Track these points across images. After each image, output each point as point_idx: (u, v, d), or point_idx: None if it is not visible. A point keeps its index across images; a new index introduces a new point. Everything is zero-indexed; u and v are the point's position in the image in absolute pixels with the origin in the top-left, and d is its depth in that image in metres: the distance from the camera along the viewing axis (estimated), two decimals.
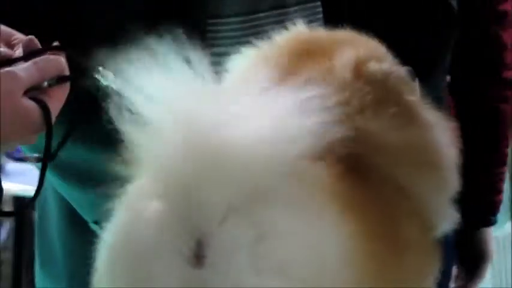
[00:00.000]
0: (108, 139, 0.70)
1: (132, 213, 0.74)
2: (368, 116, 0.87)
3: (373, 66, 0.89)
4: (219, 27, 1.12)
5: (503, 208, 1.67)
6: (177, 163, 0.70)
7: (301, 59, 0.89)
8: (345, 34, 0.96)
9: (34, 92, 0.79)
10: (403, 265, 0.85)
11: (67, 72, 0.81)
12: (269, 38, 0.92)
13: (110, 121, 0.72)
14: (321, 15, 1.23)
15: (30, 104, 0.79)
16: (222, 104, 0.72)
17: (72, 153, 0.93)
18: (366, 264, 0.77)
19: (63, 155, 0.83)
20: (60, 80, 0.81)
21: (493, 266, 1.83)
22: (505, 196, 1.63)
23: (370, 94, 0.87)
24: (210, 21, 1.11)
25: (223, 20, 1.13)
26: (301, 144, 0.72)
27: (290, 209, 0.73)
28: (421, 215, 0.90)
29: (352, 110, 0.86)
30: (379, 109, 0.88)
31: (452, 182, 0.94)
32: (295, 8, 1.18)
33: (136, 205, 0.74)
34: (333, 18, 1.21)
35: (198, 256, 0.71)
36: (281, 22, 1.09)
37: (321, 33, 0.98)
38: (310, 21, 1.11)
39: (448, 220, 0.95)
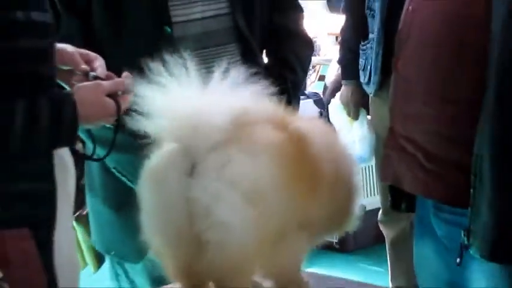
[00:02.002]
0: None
1: (156, 155, 1.40)
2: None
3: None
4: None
5: None
6: (181, 128, 1.37)
7: None
8: None
9: (112, 95, 1.55)
10: (313, 198, 1.47)
11: (130, 88, 1.55)
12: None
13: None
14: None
15: (110, 101, 1.54)
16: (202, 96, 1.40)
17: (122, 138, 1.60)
18: (290, 188, 1.40)
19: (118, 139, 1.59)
20: (126, 91, 1.56)
21: None
22: None
23: None
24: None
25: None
26: (250, 116, 1.41)
27: (244, 150, 1.37)
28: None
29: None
30: None
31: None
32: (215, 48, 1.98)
33: (158, 152, 1.40)
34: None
35: (191, 171, 1.36)
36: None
37: None
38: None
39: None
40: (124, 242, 1.93)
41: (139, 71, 1.40)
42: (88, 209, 2.14)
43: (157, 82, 1.37)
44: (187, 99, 1.38)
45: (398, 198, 1.85)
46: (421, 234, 1.84)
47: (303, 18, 2.28)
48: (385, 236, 3.52)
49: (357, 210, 1.62)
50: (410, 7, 1.75)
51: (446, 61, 1.65)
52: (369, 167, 4.17)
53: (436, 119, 1.65)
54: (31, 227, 1.49)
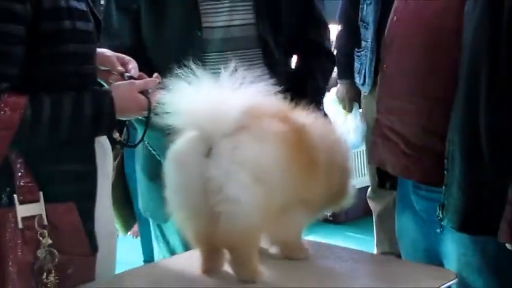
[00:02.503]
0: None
1: (179, 140, 1.54)
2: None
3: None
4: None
5: None
6: (200, 117, 1.50)
7: None
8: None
9: (144, 92, 1.69)
10: (311, 179, 1.60)
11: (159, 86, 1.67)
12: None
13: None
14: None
15: (142, 97, 1.70)
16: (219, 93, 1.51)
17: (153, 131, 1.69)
18: (291, 170, 1.54)
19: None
20: (155, 88, 1.70)
21: None
22: None
23: None
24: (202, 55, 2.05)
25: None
26: (259, 109, 1.54)
27: (253, 136, 1.51)
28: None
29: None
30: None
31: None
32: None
33: (181, 138, 1.54)
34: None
35: (208, 153, 1.49)
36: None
37: None
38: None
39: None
40: (156, 206, 2.02)
41: (174, 65, 1.51)
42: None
43: (183, 79, 1.49)
44: (205, 94, 1.49)
45: (383, 178, 1.96)
46: (402, 209, 1.95)
47: (329, 34, 2.41)
48: (373, 210, 3.63)
49: (351, 190, 1.74)
50: (395, 17, 1.84)
51: (423, 64, 1.73)
52: (360, 151, 4.30)
53: (415, 113, 1.75)
54: (76, 201, 1.61)
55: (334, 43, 3.52)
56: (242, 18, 2.16)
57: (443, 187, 1.68)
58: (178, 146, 1.54)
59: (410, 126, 1.77)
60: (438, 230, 1.75)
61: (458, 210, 1.65)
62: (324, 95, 2.37)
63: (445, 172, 1.67)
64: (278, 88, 1.57)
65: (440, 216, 1.69)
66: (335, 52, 3.42)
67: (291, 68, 2.32)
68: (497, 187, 1.59)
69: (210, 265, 1.60)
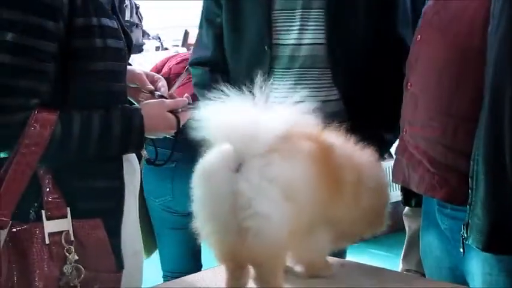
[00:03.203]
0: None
1: (209, 153, 1.52)
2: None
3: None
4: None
5: None
6: (235, 135, 1.48)
7: None
8: None
9: (173, 111, 1.70)
10: (338, 199, 1.60)
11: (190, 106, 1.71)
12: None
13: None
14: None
15: (171, 116, 1.71)
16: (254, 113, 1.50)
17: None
18: (318, 188, 1.55)
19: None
20: (185, 108, 1.72)
21: None
22: None
23: None
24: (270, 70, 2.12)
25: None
26: (291, 131, 1.53)
27: (283, 155, 1.50)
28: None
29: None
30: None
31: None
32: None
33: (211, 151, 1.52)
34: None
35: (237, 169, 1.48)
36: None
37: None
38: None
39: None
40: None
41: (244, 79, 1.52)
42: None
43: (227, 96, 1.49)
44: (245, 111, 1.49)
45: (409, 196, 1.94)
46: (427, 227, 1.93)
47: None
48: (407, 227, 3.55)
49: (386, 216, 1.73)
50: (419, 36, 1.84)
51: (448, 83, 1.73)
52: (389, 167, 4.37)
53: (440, 131, 1.74)
54: (103, 217, 1.60)
55: None
56: (312, 37, 2.17)
57: (468, 206, 1.67)
58: (207, 160, 1.53)
59: (435, 144, 1.76)
60: (461, 250, 1.74)
61: (483, 230, 1.63)
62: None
63: (470, 191, 1.66)
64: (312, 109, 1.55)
65: (465, 235, 1.67)
66: None
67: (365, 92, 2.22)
68: None
69: (235, 282, 1.58)
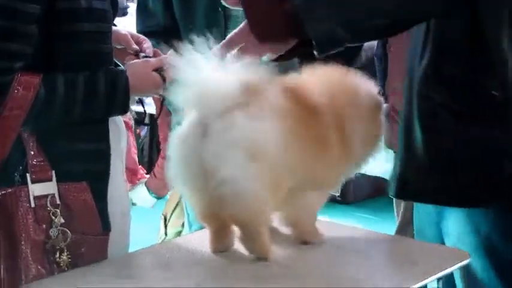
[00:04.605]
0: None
1: (185, 120, 1.51)
2: None
3: None
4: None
5: None
6: (196, 95, 1.45)
7: None
8: None
9: (159, 70, 1.66)
10: (321, 158, 1.53)
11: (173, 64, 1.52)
12: None
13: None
14: None
15: (156, 75, 1.67)
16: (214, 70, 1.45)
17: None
18: (296, 149, 1.48)
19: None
20: (170, 66, 1.51)
21: None
22: None
23: None
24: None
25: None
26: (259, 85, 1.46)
27: (248, 114, 1.44)
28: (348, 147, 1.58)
29: None
30: None
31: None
32: None
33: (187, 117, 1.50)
34: None
35: (203, 133, 1.45)
36: None
37: None
38: None
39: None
40: None
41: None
42: None
43: (188, 56, 1.45)
44: (205, 72, 1.44)
45: None
46: None
47: None
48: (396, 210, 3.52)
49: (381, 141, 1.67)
50: None
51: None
52: None
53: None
54: (89, 180, 1.58)
55: None
56: None
57: (394, 155, 1.73)
58: (182, 125, 1.51)
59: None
60: (441, 210, 1.75)
61: (394, 178, 1.70)
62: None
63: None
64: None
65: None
66: None
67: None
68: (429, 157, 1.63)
69: (220, 243, 1.58)
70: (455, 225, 1.73)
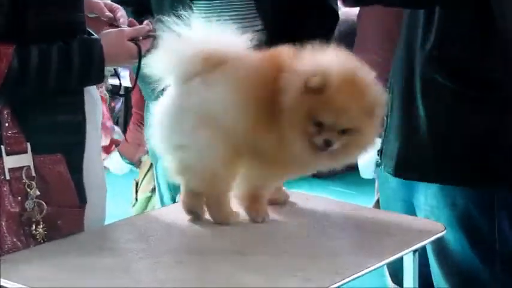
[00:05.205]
0: None
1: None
2: None
3: None
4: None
5: None
6: (160, 69, 1.53)
7: None
8: None
9: (134, 40, 1.62)
10: (266, 130, 1.47)
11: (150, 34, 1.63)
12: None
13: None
14: None
15: (132, 45, 1.63)
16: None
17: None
18: (244, 117, 1.47)
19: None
20: (146, 36, 1.64)
21: None
22: None
23: None
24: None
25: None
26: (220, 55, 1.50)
27: (206, 83, 1.49)
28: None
29: None
30: None
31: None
32: None
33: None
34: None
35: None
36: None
37: None
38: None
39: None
40: None
41: (166, 13, 1.52)
42: None
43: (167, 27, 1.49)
44: (167, 43, 1.50)
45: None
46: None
47: None
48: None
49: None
50: None
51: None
52: None
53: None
54: (64, 152, 1.56)
55: None
56: None
57: (383, 132, 1.72)
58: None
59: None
60: (414, 184, 1.76)
61: (393, 156, 1.71)
62: None
63: (385, 118, 1.70)
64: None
65: (379, 161, 1.74)
66: None
67: (289, 27, 2.12)
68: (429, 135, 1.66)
69: (190, 203, 1.59)
70: (430, 199, 1.75)
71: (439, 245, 1.75)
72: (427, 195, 1.75)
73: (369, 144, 1.48)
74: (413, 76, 1.68)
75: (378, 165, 1.82)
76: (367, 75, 1.44)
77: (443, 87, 1.66)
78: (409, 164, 1.71)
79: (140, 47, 1.63)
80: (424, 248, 1.70)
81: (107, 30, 1.66)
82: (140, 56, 1.62)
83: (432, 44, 1.65)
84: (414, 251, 1.50)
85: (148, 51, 1.60)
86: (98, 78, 1.61)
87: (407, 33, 1.72)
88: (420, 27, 1.67)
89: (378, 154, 1.73)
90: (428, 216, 1.74)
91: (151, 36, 1.63)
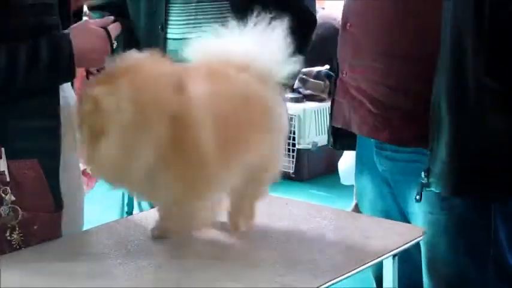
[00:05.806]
0: None
1: None
2: None
3: None
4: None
5: None
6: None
7: None
8: None
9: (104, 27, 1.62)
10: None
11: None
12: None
13: None
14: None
15: (100, 29, 1.61)
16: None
17: None
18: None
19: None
20: (114, 24, 1.63)
21: None
22: None
23: None
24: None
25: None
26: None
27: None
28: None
29: None
30: None
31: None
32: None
33: None
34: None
35: None
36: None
37: None
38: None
39: None
40: None
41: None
42: None
43: None
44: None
45: (336, 138, 1.93)
46: (361, 170, 1.92)
47: None
48: None
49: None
50: None
51: (389, 24, 1.70)
52: (323, 109, 4.13)
53: (382, 71, 1.71)
54: (39, 157, 1.53)
55: None
56: None
57: (429, 152, 1.63)
58: None
59: (377, 85, 1.73)
60: (417, 196, 1.71)
61: (446, 175, 1.61)
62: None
63: (432, 135, 1.62)
64: None
65: (425, 181, 1.64)
66: None
67: None
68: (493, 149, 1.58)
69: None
70: (423, 205, 1.71)
71: (430, 249, 1.73)
72: (423, 200, 1.71)
73: None
74: (464, 85, 1.59)
75: (425, 186, 1.69)
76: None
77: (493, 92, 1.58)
78: (470, 181, 1.63)
79: (108, 32, 1.61)
80: (410, 254, 1.68)
81: (74, 25, 1.63)
82: (111, 40, 1.60)
83: (483, 51, 1.57)
84: (394, 256, 1.49)
85: (118, 36, 1.59)
86: (69, 74, 1.57)
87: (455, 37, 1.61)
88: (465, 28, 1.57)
89: (424, 174, 1.64)
90: (424, 221, 1.72)
91: (117, 22, 1.63)
